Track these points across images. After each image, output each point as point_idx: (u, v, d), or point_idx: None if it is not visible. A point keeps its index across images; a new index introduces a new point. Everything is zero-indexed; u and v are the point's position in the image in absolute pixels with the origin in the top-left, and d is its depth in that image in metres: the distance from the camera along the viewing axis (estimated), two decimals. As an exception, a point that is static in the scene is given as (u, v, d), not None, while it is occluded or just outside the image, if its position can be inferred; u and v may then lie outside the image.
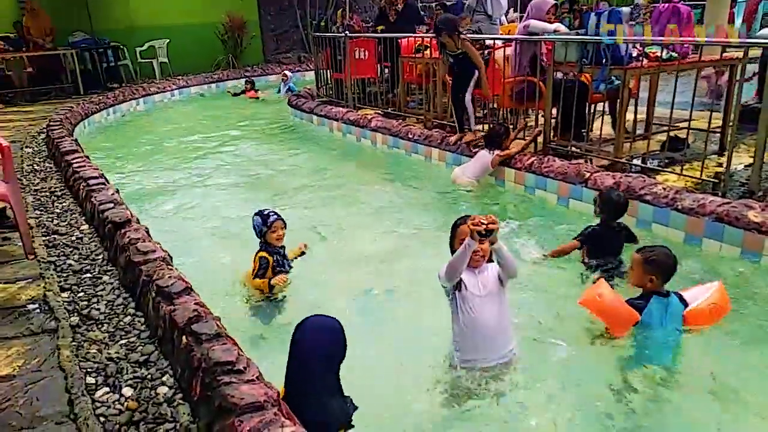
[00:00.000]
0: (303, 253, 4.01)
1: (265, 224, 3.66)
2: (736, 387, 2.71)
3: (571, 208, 4.84)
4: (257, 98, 12.15)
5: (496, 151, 5.42)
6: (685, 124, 5.15)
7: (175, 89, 12.89)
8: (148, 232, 3.77)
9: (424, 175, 6.23)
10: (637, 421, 2.56)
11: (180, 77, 13.48)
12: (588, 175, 4.74)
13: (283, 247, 3.78)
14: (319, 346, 2.10)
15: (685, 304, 2.96)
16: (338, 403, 2.10)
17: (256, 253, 3.68)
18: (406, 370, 2.90)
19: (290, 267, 3.82)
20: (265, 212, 3.71)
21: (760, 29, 6.25)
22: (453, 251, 2.66)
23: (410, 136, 6.79)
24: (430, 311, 3.18)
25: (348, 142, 7.87)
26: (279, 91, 12.22)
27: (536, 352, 2.97)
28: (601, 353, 2.94)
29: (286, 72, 12.76)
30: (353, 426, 2.17)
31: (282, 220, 3.71)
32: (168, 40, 13.55)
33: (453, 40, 5.60)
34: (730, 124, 5.09)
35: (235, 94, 12.60)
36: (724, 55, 4.58)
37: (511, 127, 6.08)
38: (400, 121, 7.33)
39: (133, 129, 9.94)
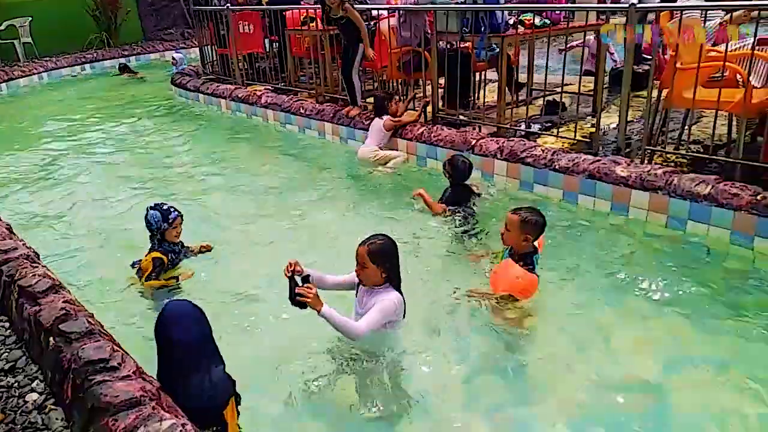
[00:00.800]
0: (207, 250, 3.82)
1: (166, 220, 3.41)
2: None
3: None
4: (133, 76, 11.40)
5: (386, 117, 5.47)
6: (566, 89, 5.46)
7: (43, 72, 11.80)
8: (10, 229, 3.44)
9: (320, 151, 6.15)
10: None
11: (48, 59, 12.32)
12: (474, 141, 4.88)
13: (180, 241, 3.59)
14: (184, 338, 1.95)
15: None
16: (217, 379, 1.99)
17: (148, 253, 3.42)
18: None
19: (186, 257, 3.66)
20: (165, 207, 3.45)
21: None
22: None
23: (302, 111, 6.66)
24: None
25: (238, 120, 7.59)
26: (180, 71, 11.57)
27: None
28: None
29: (174, 55, 12.02)
30: (239, 395, 2.11)
31: (181, 216, 3.50)
32: (30, 18, 12.28)
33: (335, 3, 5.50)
34: (605, 87, 5.47)
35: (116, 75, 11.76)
36: (591, 21, 4.85)
37: (399, 96, 6.13)
38: (291, 96, 7.16)
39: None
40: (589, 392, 2.55)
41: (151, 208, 3.45)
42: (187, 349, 1.94)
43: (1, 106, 9.71)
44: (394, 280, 2.64)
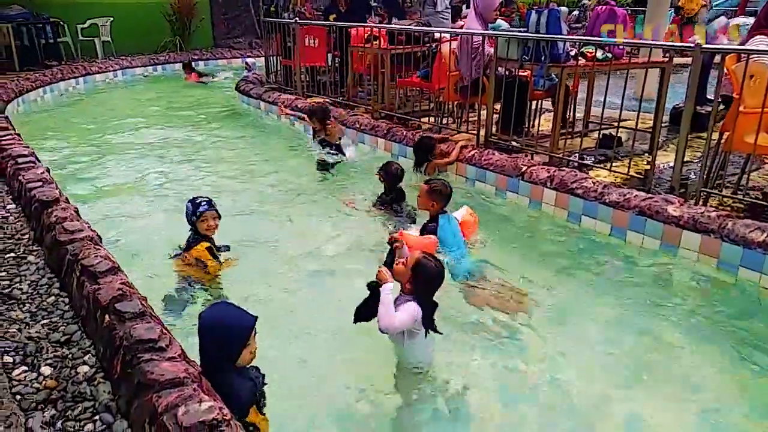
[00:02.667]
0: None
1: (195, 213, 3.50)
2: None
3: (508, 199, 4.99)
4: (202, 82, 11.87)
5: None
6: (623, 124, 5.40)
7: (118, 69, 12.46)
8: (77, 211, 3.66)
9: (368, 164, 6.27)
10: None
11: (123, 57, 13.03)
12: (525, 168, 4.89)
13: (212, 239, 3.63)
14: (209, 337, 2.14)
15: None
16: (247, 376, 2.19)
17: (194, 244, 3.50)
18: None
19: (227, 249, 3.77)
20: (198, 200, 3.55)
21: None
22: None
23: (357, 125, 6.82)
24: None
25: (295, 130, 7.82)
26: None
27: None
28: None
29: (248, 60, 12.51)
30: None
31: (215, 209, 3.55)
32: (111, 19, 13.05)
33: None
34: (665, 125, 5.39)
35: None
36: (654, 59, 4.81)
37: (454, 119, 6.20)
38: (348, 110, 7.34)
39: (71, 109, 9.55)
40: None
41: (188, 200, 3.59)
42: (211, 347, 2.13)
43: (79, 101, 10.32)
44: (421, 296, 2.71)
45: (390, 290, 2.61)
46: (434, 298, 2.75)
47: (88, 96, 10.70)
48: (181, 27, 14.34)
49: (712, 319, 3.29)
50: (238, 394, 2.10)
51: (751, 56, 3.85)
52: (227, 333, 2.13)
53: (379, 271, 2.70)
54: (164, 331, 2.26)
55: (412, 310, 2.63)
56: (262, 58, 10.18)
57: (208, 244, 3.55)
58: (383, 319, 2.56)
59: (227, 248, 3.78)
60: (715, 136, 4.36)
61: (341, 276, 3.81)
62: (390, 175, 4.75)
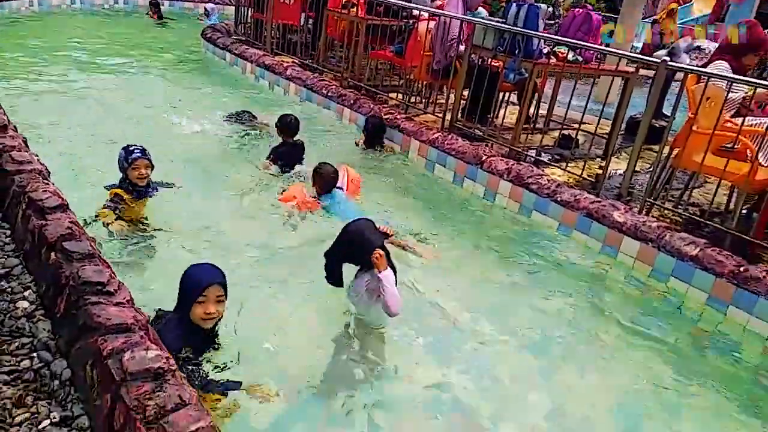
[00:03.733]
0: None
1: (127, 160, 3.48)
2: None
3: (466, 185, 5.09)
4: (161, 23, 11.39)
5: None
6: (583, 127, 5.57)
7: (77, -5, 11.79)
8: (25, 142, 3.49)
9: (334, 131, 6.24)
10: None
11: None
12: (484, 158, 4.99)
13: (148, 183, 3.62)
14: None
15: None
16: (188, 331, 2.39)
17: (112, 188, 3.53)
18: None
19: (151, 195, 3.70)
20: (130, 148, 3.52)
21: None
22: None
23: (324, 91, 6.74)
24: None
25: (260, 86, 7.66)
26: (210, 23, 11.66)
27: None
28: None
29: (207, 6, 12.10)
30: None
31: (147, 158, 3.53)
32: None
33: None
34: (620, 132, 5.60)
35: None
36: (622, 68, 4.96)
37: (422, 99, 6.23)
38: (317, 75, 7.24)
39: (23, 31, 8.99)
40: (538, 414, 2.68)
41: (123, 147, 3.54)
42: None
43: (30, 22, 9.71)
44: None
45: (389, 275, 2.76)
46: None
47: (41, 20, 10.08)
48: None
49: (632, 319, 3.51)
50: (163, 335, 2.17)
51: (710, 79, 4.04)
52: (186, 282, 2.37)
53: (380, 256, 2.76)
54: (113, 275, 2.22)
55: (391, 278, 2.79)
56: (232, 7, 9.87)
57: (118, 191, 3.52)
58: (397, 304, 2.74)
59: (169, 185, 3.84)
60: (666, 150, 4.58)
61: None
62: (286, 125, 4.99)
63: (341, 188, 4.35)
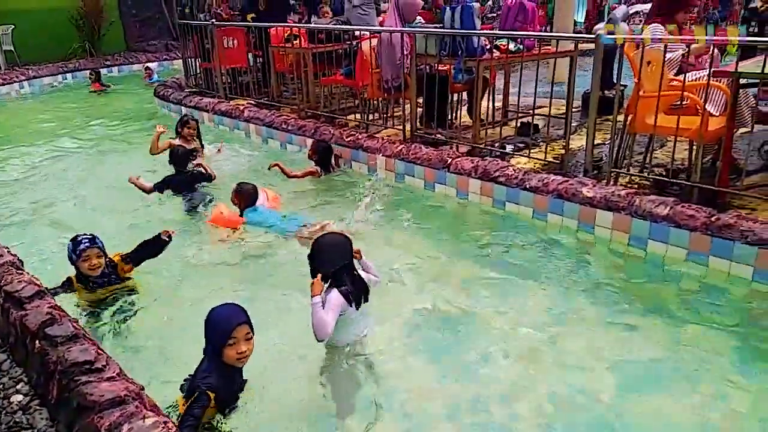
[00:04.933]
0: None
1: (75, 252, 3.22)
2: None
3: (437, 191, 5.16)
4: (103, 90, 11.33)
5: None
6: (539, 111, 5.69)
7: (24, 80, 11.76)
8: (-6, 236, 3.49)
9: (299, 164, 6.27)
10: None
11: (29, 67, 12.31)
12: (450, 160, 5.07)
13: (103, 273, 3.33)
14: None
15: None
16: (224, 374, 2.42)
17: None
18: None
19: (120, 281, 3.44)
20: (78, 238, 3.27)
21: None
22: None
23: (284, 126, 6.80)
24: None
25: (220, 133, 7.69)
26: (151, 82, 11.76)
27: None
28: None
29: (149, 65, 12.22)
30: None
31: (98, 247, 3.27)
32: (13, 26, 12.29)
33: None
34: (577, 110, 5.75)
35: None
36: (562, 48, 5.10)
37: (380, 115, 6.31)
38: (274, 111, 7.31)
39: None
40: (540, 400, 2.71)
41: (71, 239, 3.30)
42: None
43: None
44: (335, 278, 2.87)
45: (318, 302, 2.69)
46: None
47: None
48: (89, 31, 13.69)
49: (623, 288, 3.57)
50: (202, 377, 2.27)
51: (646, 44, 4.16)
52: (214, 328, 2.38)
53: (314, 283, 2.75)
54: (100, 351, 2.24)
55: (334, 302, 2.76)
56: (178, 62, 9.91)
57: (72, 276, 3.31)
58: (320, 331, 2.66)
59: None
60: (622, 118, 4.69)
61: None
62: (175, 158, 5.37)
63: (263, 204, 4.70)
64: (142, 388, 2.18)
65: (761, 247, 3.39)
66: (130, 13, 14.99)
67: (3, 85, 11.28)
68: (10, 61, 12.37)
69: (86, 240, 3.26)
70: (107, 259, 3.36)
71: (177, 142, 6.07)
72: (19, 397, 2.32)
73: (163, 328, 3.24)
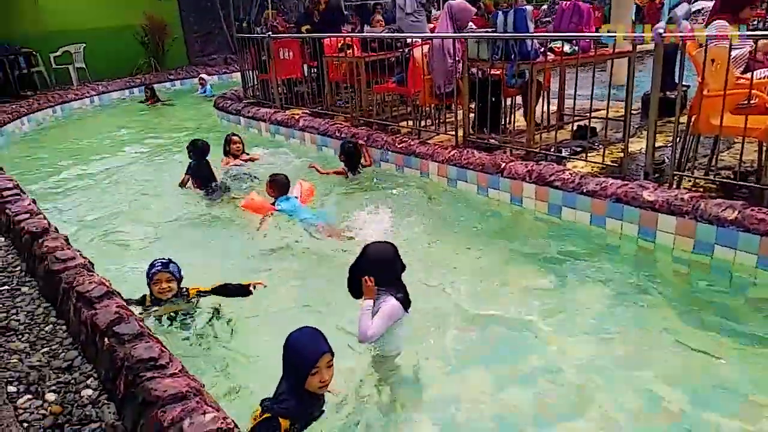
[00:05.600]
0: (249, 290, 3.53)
1: (148, 274, 3.32)
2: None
3: (490, 196, 5.11)
4: (155, 104, 11.80)
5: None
6: (598, 114, 5.54)
7: (95, 95, 12.45)
8: (67, 240, 3.71)
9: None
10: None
11: (99, 83, 13.02)
12: (503, 165, 5.01)
13: (175, 295, 3.38)
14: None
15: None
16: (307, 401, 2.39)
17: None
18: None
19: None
20: (155, 261, 3.39)
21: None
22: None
23: (338, 134, 6.91)
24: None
25: (277, 142, 7.89)
26: (204, 93, 12.22)
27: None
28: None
29: (203, 76, 12.76)
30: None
31: (169, 271, 3.33)
32: (84, 45, 13.05)
33: None
34: (637, 112, 5.56)
35: (142, 102, 12.19)
36: (619, 50, 4.96)
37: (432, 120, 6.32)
38: (328, 120, 7.43)
39: (51, 138, 9.54)
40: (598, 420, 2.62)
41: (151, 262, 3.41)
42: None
43: (62, 127, 10.33)
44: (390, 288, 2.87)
45: (370, 306, 2.77)
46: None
47: (67, 124, 10.68)
48: (154, 48, 14.37)
49: (691, 300, 3.41)
50: (280, 401, 2.26)
51: (710, 41, 4.00)
52: (297, 356, 2.31)
53: (368, 287, 2.79)
54: (163, 349, 2.33)
55: (389, 310, 2.78)
56: (237, 75, 10.25)
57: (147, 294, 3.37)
58: (366, 335, 2.72)
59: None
60: (685, 120, 4.52)
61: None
62: (195, 149, 5.86)
63: (296, 197, 5.09)
64: (203, 386, 2.26)
65: (840, 252, 3.18)
66: (192, 30, 15.63)
67: (76, 99, 11.97)
68: (81, 77, 13.13)
69: (159, 264, 3.35)
70: (184, 288, 3.42)
71: (231, 161, 6.41)
72: (89, 392, 2.44)
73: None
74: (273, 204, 5.03)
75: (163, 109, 11.59)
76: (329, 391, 2.51)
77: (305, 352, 2.30)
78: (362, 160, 6.19)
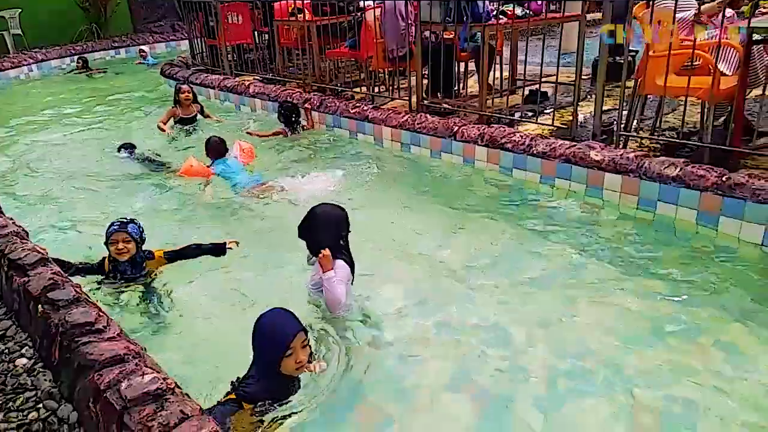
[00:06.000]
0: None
1: (106, 233, 3.19)
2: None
3: (443, 159, 5.11)
4: (90, 74, 11.33)
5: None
6: (550, 79, 5.57)
7: (33, 63, 11.78)
8: (0, 209, 3.52)
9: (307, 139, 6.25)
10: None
11: (37, 50, 12.32)
12: (456, 129, 5.00)
13: (139, 256, 3.25)
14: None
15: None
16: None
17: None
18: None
19: (141, 276, 3.29)
20: (114, 220, 3.24)
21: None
22: None
23: (289, 100, 6.74)
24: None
25: (226, 109, 7.67)
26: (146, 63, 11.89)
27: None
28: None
29: (143, 48, 12.38)
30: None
31: (126, 231, 3.18)
32: (20, 10, 12.27)
33: None
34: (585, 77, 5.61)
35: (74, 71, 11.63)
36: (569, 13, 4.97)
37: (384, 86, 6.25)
38: (279, 86, 7.25)
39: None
40: (546, 355, 2.69)
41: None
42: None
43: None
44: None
45: (333, 276, 2.73)
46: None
47: (2, 93, 10.10)
48: (96, 13, 13.65)
49: (631, 252, 3.51)
50: (245, 385, 2.17)
51: (656, 3, 4.04)
52: (267, 339, 2.18)
53: (324, 256, 2.73)
54: (101, 313, 2.24)
55: (343, 273, 2.78)
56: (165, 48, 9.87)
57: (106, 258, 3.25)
58: (337, 305, 2.74)
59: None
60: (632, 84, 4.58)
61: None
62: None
63: (235, 157, 5.14)
64: (144, 349, 2.19)
65: (774, 205, 3.31)
66: (136, -5, 14.93)
67: (13, 68, 11.31)
68: (18, 45, 12.39)
69: (117, 224, 3.21)
70: (145, 251, 3.29)
71: (177, 110, 6.57)
72: (24, 361, 2.34)
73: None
74: (210, 167, 5.07)
75: (107, 77, 11.09)
76: (311, 371, 2.41)
77: (277, 335, 2.18)
78: (305, 123, 6.24)
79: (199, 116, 6.76)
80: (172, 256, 3.37)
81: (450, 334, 2.88)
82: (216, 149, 5.16)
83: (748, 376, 2.48)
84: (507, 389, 2.50)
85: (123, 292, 3.21)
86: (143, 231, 3.30)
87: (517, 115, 5.36)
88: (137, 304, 3.14)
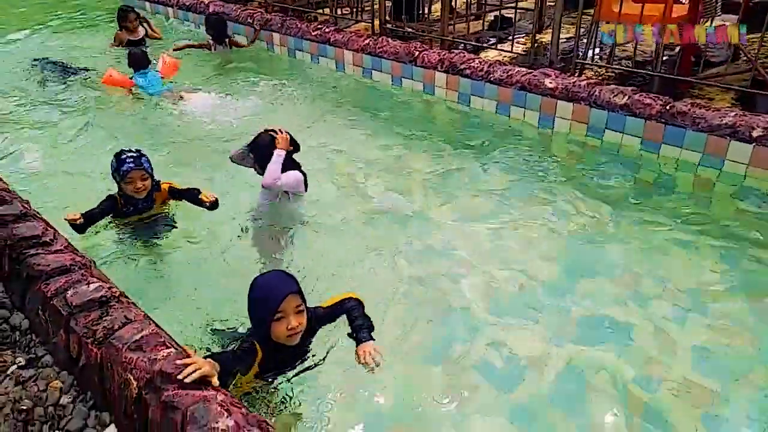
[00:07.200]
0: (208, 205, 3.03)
1: (118, 172, 2.89)
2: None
3: (404, 86, 5.10)
4: None
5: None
6: (513, 5, 5.49)
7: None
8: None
9: (267, 63, 6.13)
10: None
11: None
12: (417, 54, 4.96)
13: (148, 197, 3.02)
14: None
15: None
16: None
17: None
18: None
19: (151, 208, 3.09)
20: (123, 156, 2.90)
21: None
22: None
23: (250, 20, 6.55)
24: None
25: (186, 29, 7.40)
26: None
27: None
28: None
29: None
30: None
31: (142, 168, 2.91)
32: None
33: None
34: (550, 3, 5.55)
35: None
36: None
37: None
38: (240, 5, 7.00)
39: None
40: (500, 281, 2.85)
41: (115, 154, 2.95)
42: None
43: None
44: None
45: (282, 155, 3.05)
46: None
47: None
48: None
49: (577, 179, 3.66)
50: (235, 355, 1.98)
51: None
52: (258, 301, 2.00)
53: (281, 139, 3.06)
54: (48, 227, 2.30)
55: (296, 176, 3.10)
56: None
57: (115, 195, 3.00)
58: (271, 178, 2.99)
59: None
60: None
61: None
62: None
63: (157, 71, 5.30)
64: (93, 263, 2.27)
65: (710, 133, 3.45)
66: None
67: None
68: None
69: (131, 160, 2.89)
70: (155, 181, 3.04)
71: (124, 34, 6.42)
72: (-25, 274, 2.40)
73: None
74: (131, 78, 5.21)
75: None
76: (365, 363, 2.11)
77: (267, 296, 1.98)
78: (244, 42, 6.45)
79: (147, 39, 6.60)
80: (175, 193, 3.12)
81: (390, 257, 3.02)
82: (135, 60, 5.29)
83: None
84: (450, 298, 2.68)
85: (133, 227, 3.09)
86: (150, 160, 3.02)
87: (484, 43, 5.32)
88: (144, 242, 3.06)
